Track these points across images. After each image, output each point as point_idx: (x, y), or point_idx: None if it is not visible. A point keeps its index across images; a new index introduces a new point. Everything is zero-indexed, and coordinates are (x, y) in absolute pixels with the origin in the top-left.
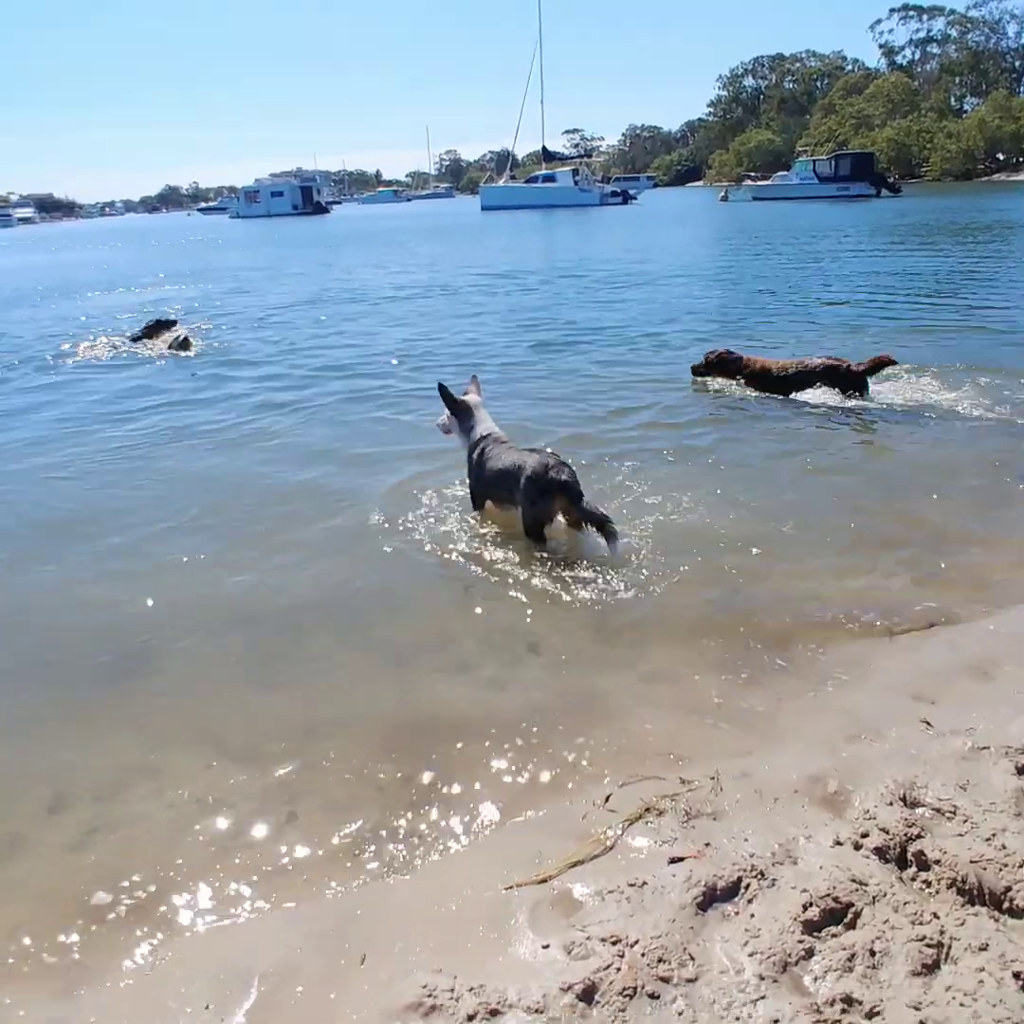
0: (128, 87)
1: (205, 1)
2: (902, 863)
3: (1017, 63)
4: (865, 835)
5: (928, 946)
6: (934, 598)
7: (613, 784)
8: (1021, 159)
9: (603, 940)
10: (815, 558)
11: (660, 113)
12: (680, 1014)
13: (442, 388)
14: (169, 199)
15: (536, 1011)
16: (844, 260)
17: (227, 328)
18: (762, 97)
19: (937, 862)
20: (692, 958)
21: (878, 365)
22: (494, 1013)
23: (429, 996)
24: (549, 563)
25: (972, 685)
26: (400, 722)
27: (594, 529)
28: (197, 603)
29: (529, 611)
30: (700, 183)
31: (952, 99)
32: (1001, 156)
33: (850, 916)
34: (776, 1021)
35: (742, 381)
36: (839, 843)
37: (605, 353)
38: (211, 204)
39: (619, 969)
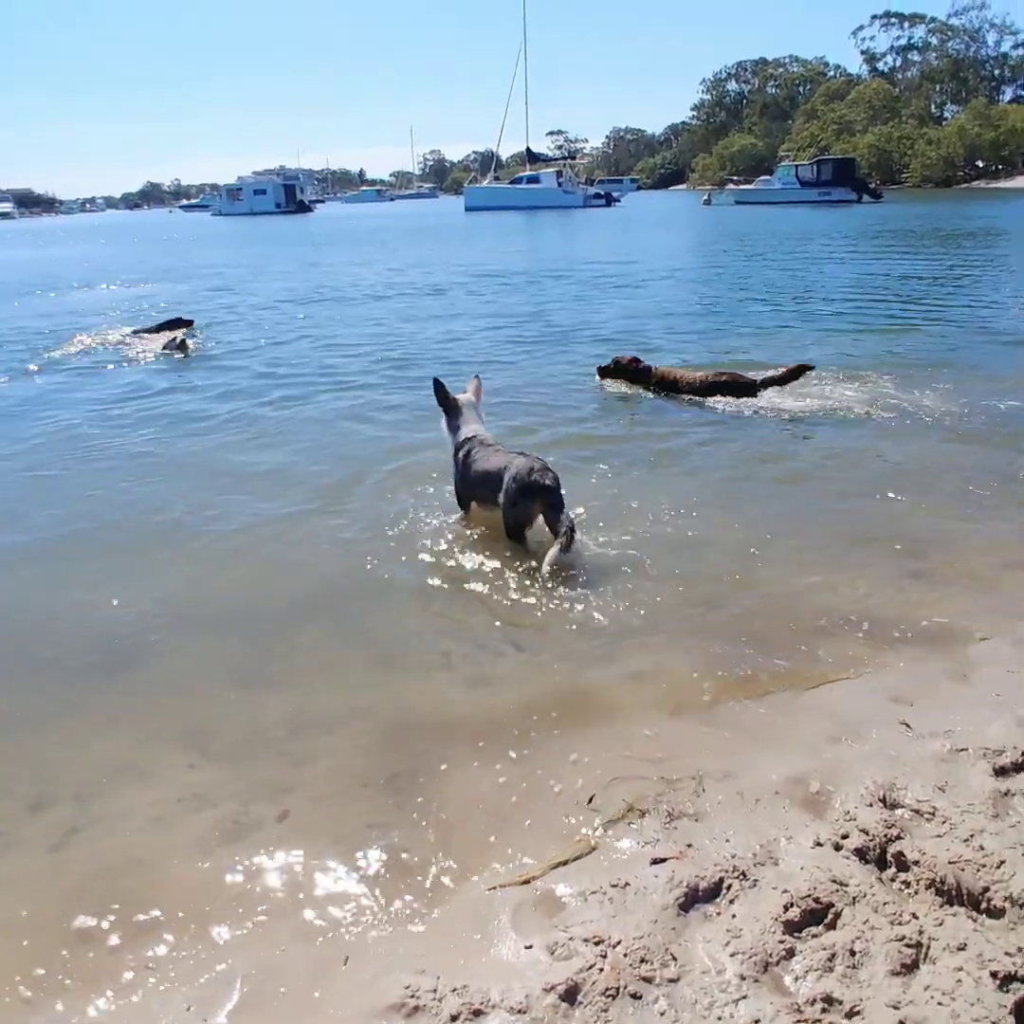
0: (110, 82)
1: None
2: (882, 864)
3: (996, 71)
4: (845, 836)
5: (907, 946)
6: (915, 600)
7: (596, 784)
8: (1000, 167)
9: (586, 941)
10: (797, 561)
11: (644, 116)
12: (662, 1014)
13: (437, 384)
14: (151, 196)
15: (519, 1011)
16: (825, 264)
17: (219, 329)
18: (745, 101)
19: (916, 863)
20: (674, 958)
21: (791, 375)
22: (477, 1013)
23: (412, 996)
24: (533, 564)
25: (951, 688)
26: (385, 720)
27: (555, 536)
28: (182, 602)
29: (514, 611)
30: (683, 186)
31: (932, 106)
32: (980, 163)
33: (830, 916)
34: (757, 1021)
35: (651, 389)
36: (820, 844)
37: (586, 354)
38: (193, 201)
39: (602, 969)
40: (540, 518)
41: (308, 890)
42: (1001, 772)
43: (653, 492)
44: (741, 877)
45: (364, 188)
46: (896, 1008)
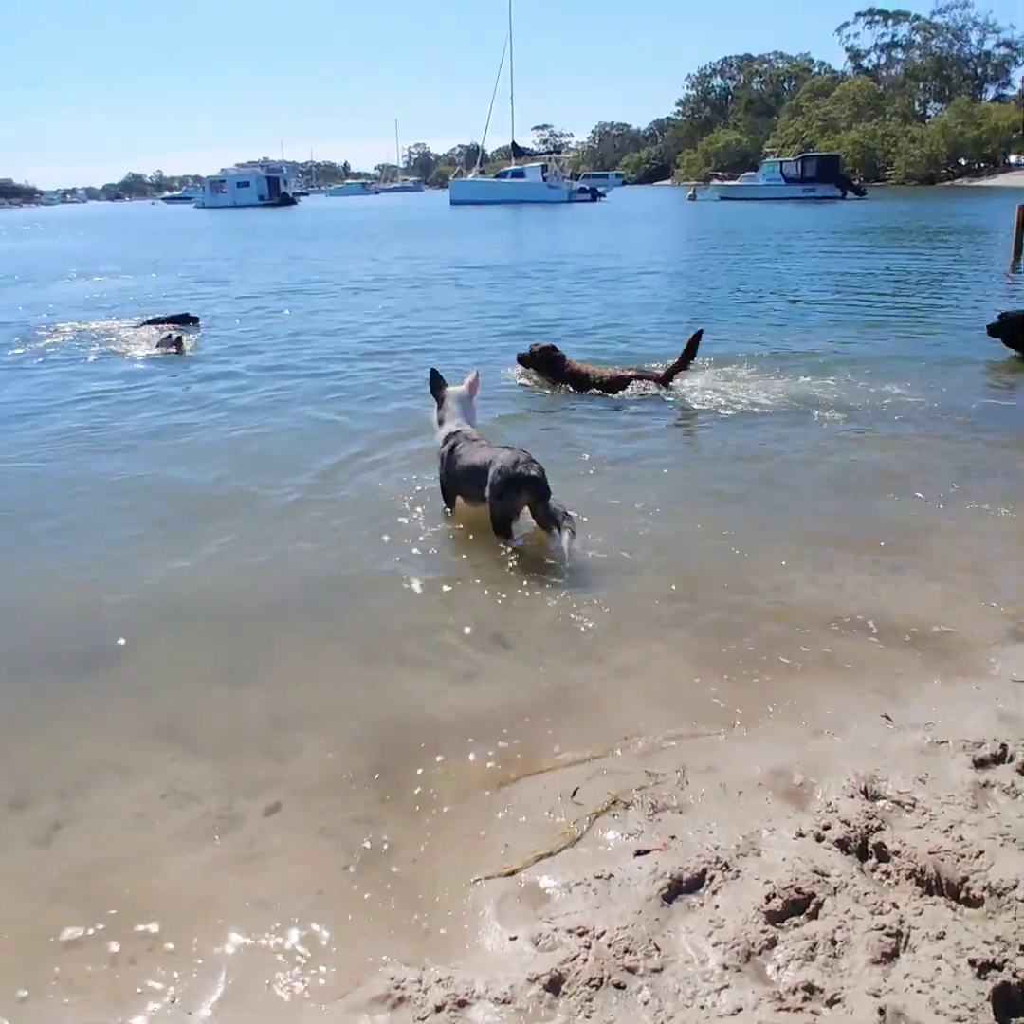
0: (91, 72)
1: None
2: (863, 854)
3: (979, 70)
4: (827, 827)
5: (887, 935)
6: (896, 596)
7: (580, 777)
8: (982, 165)
9: (570, 931)
10: (779, 557)
11: (630, 111)
12: (645, 1003)
13: (433, 374)
14: (133, 187)
15: (504, 1002)
16: (809, 259)
17: (212, 324)
18: (730, 97)
19: (897, 853)
20: (658, 949)
21: (689, 351)
22: (462, 1004)
23: (397, 988)
24: (517, 558)
25: (931, 681)
26: (368, 716)
27: (554, 528)
28: (163, 597)
29: (498, 606)
30: (668, 182)
31: (916, 104)
32: (963, 161)
33: (812, 906)
34: (739, 1009)
35: (562, 382)
36: (802, 835)
37: (566, 347)
38: (176, 193)
39: (586, 960)
40: (527, 510)
41: (293, 884)
42: (980, 764)
43: (633, 490)
44: (724, 868)
45: (349, 181)
46: (876, 996)
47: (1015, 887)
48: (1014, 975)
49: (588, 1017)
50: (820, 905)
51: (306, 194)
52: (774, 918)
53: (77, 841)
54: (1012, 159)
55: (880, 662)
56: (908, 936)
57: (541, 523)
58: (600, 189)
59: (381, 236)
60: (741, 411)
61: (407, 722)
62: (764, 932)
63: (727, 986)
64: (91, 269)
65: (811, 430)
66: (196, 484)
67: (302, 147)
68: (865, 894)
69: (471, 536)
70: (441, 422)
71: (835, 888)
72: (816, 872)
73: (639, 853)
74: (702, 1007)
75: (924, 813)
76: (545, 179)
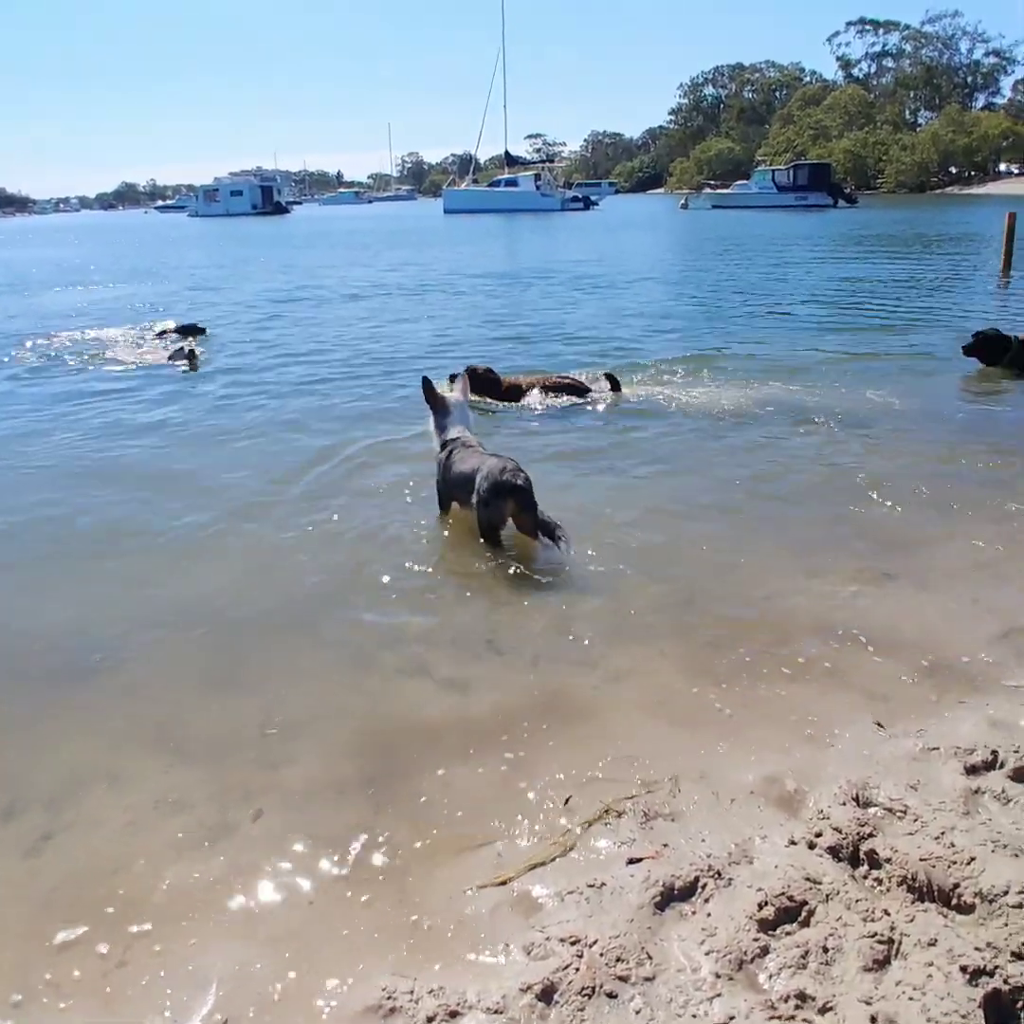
0: (84, 82)
1: None
2: (855, 862)
3: (969, 78)
4: (819, 835)
5: (879, 942)
6: (889, 602)
7: (573, 785)
8: (973, 173)
9: (562, 940)
10: (771, 565)
11: (622, 120)
12: (638, 1012)
13: (425, 382)
14: (126, 196)
15: (495, 1012)
16: (802, 268)
17: (219, 337)
18: (722, 106)
19: (888, 860)
20: (650, 957)
21: (612, 385)
22: (454, 1014)
23: (389, 998)
24: (507, 566)
25: (923, 688)
26: (361, 723)
27: (545, 537)
28: (153, 606)
29: (489, 613)
30: (661, 190)
31: (907, 112)
32: (954, 169)
33: (804, 914)
34: (732, 1018)
35: (500, 399)
36: (794, 843)
37: (563, 352)
38: (169, 202)
39: (578, 969)
40: (511, 521)
41: (285, 892)
42: (972, 771)
43: (623, 498)
44: (716, 876)
45: (342, 190)
46: (868, 1003)
47: (1006, 893)
48: (1005, 982)
49: None
50: (812, 913)
51: (299, 203)
52: (766, 926)
53: (68, 849)
54: (1002, 167)
55: (872, 669)
56: (900, 943)
57: (526, 532)
58: (593, 197)
59: (376, 245)
60: (730, 418)
61: (399, 730)
62: (756, 940)
63: (719, 994)
64: (85, 278)
65: (801, 438)
66: (181, 498)
67: (296, 157)
68: (857, 901)
69: (462, 543)
70: (442, 429)
71: (827, 895)
72: (808, 879)
73: (631, 861)
74: (694, 1016)
75: (916, 820)
76: (538, 188)
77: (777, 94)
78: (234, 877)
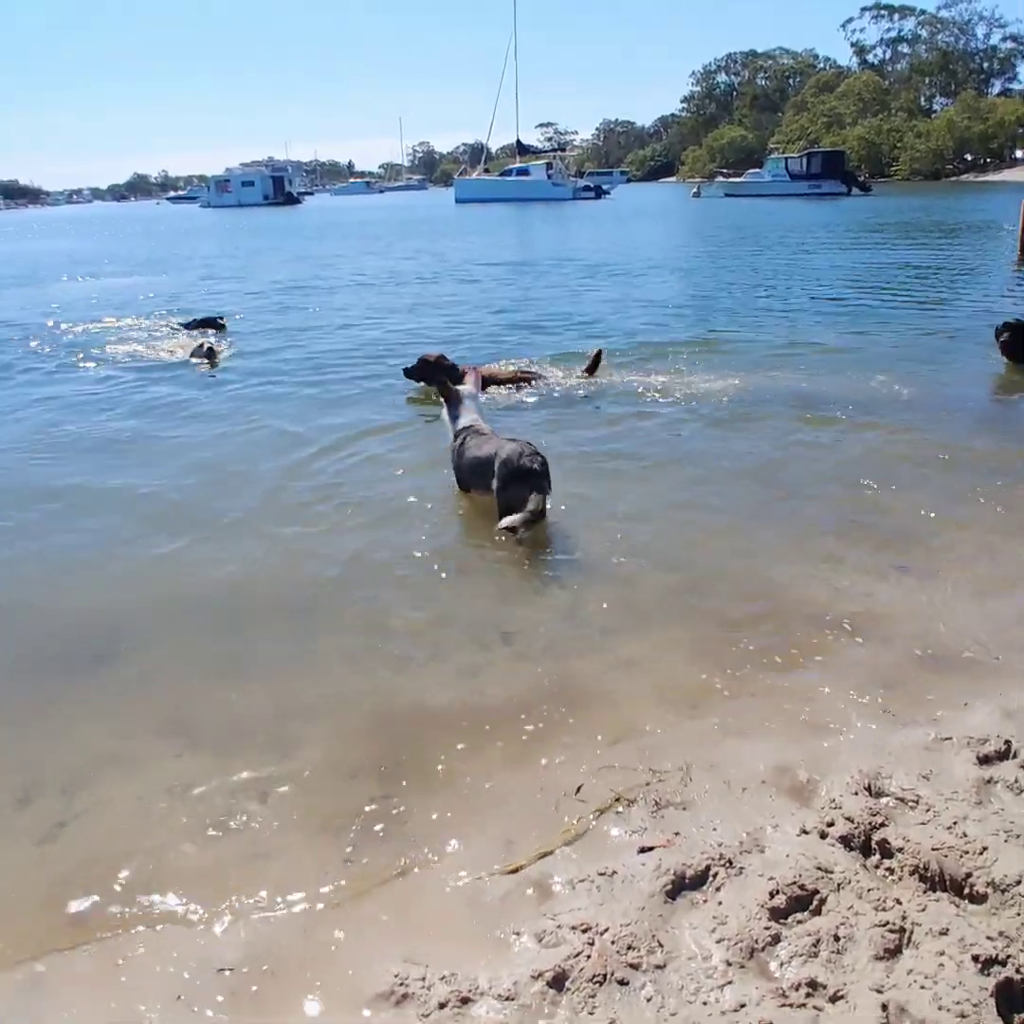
0: (96, 73)
1: None
2: (866, 851)
3: (985, 64)
4: (831, 824)
5: (891, 931)
6: (900, 590)
7: (584, 774)
8: (988, 160)
9: (574, 928)
10: (779, 553)
11: (634, 108)
12: (649, 1000)
13: (442, 383)
14: (138, 187)
15: (507, 999)
16: (815, 255)
17: (238, 329)
18: (735, 94)
19: (900, 850)
20: (661, 945)
21: (593, 366)
22: (465, 1001)
23: (401, 985)
24: (518, 553)
25: (936, 677)
26: (372, 711)
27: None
28: (166, 594)
29: (500, 600)
30: (673, 179)
31: (922, 99)
32: (969, 156)
33: (815, 903)
34: (742, 1005)
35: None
36: (805, 832)
37: (558, 339)
38: (181, 193)
39: (589, 957)
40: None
41: (296, 878)
42: (984, 760)
43: (631, 488)
44: (727, 865)
45: (353, 180)
46: (879, 992)
47: (1019, 883)
48: (1017, 971)
49: (591, 1013)
50: (823, 901)
51: (311, 193)
52: (777, 914)
53: (82, 835)
54: (1018, 154)
55: (883, 659)
56: (911, 932)
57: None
58: (605, 186)
59: (388, 235)
60: (739, 407)
61: (410, 716)
62: (767, 928)
63: (730, 982)
64: (100, 269)
65: (810, 427)
66: (196, 487)
67: (307, 147)
68: (868, 890)
69: (473, 530)
70: (455, 418)
71: (838, 884)
72: (819, 868)
73: (643, 850)
74: (705, 1003)
75: (928, 810)
76: (550, 177)
77: (791, 81)
78: (246, 861)
